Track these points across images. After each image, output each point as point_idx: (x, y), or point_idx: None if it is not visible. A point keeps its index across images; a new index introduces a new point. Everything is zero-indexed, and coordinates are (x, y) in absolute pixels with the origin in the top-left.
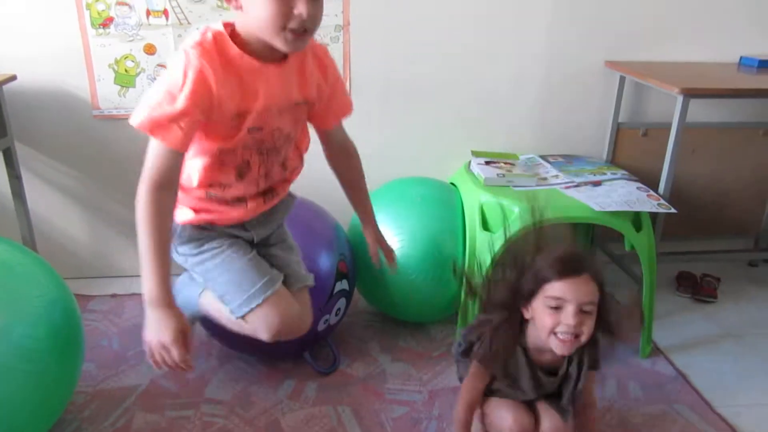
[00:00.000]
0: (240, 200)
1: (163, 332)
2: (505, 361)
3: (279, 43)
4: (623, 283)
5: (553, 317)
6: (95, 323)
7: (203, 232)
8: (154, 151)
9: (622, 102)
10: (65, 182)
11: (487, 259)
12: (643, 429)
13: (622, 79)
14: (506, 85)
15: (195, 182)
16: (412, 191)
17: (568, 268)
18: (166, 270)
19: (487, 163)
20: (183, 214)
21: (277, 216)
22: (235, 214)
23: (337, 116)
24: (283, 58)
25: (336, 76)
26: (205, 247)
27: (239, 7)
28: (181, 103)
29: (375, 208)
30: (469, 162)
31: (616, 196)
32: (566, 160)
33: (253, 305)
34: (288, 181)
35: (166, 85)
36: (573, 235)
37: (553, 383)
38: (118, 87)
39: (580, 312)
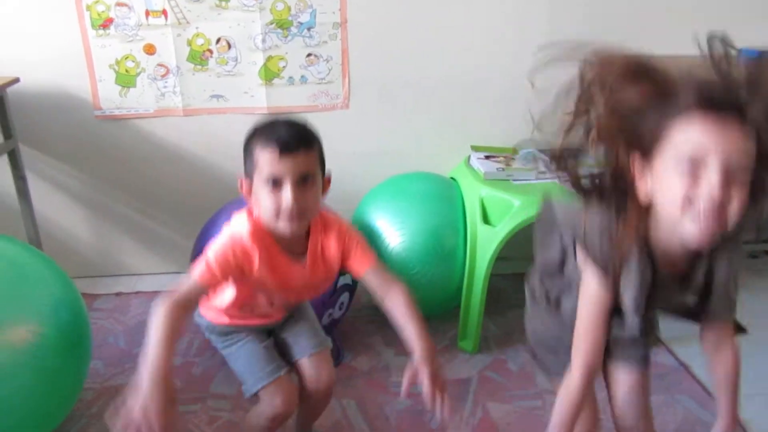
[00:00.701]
0: (268, 315)
1: (149, 406)
2: (634, 281)
3: (280, 230)
4: None
5: (687, 181)
6: (101, 321)
7: (232, 328)
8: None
9: None
10: (69, 182)
11: (487, 254)
12: None
13: None
14: (501, 81)
15: (229, 303)
16: (412, 186)
17: (713, 101)
18: (168, 362)
19: (487, 157)
20: (219, 318)
21: (297, 308)
22: (262, 322)
23: (360, 270)
24: (303, 251)
25: (353, 242)
26: (232, 338)
27: (251, 205)
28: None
29: (376, 205)
30: (469, 157)
31: None
32: (526, 151)
33: (259, 386)
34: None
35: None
36: None
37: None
38: (119, 87)
39: (729, 174)
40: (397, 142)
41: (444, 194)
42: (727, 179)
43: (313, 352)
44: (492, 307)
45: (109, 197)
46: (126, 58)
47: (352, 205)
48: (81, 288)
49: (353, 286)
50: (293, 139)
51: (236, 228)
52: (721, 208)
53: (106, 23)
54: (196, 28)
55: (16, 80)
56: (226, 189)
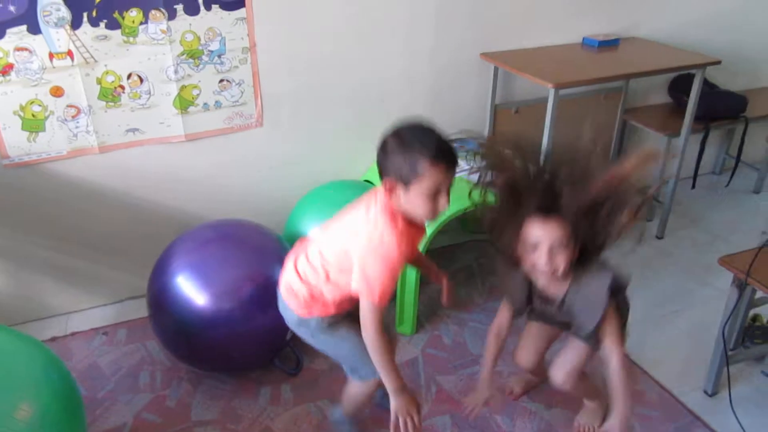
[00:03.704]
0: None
1: (411, 408)
2: (517, 295)
3: (425, 220)
4: None
5: (532, 256)
6: None
7: (337, 318)
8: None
9: (498, 86)
10: None
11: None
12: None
13: (496, 67)
14: (400, 82)
15: (337, 300)
16: (336, 195)
17: (544, 210)
18: (396, 368)
19: None
20: (326, 311)
21: None
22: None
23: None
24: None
25: None
26: (337, 327)
27: (399, 203)
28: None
29: (306, 217)
30: None
31: None
32: (458, 144)
33: (376, 375)
34: None
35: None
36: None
37: (552, 309)
38: (27, 132)
39: (552, 250)
40: (311, 151)
41: None
42: (551, 253)
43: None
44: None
45: (26, 243)
46: (31, 103)
47: (283, 216)
48: None
49: None
50: (455, 156)
51: (389, 234)
52: (551, 269)
53: (6, 69)
54: (105, 65)
55: None
56: (147, 218)
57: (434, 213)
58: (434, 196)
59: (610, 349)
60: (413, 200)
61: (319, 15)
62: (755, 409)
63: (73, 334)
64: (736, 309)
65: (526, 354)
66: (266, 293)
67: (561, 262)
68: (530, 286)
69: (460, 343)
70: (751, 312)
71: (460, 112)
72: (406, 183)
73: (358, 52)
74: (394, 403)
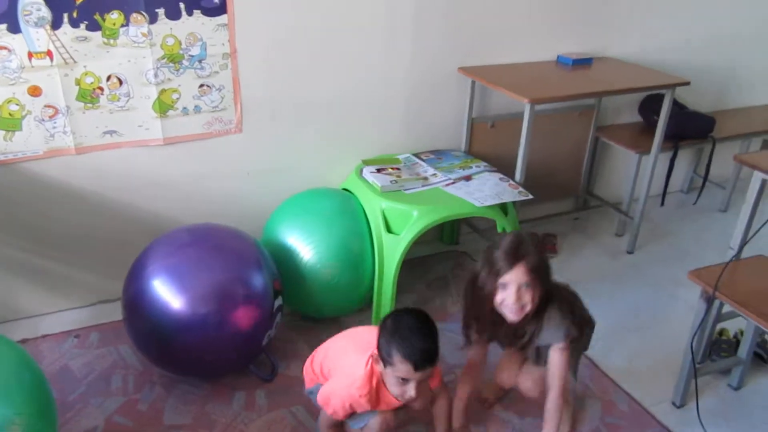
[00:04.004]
0: None
1: None
2: (490, 331)
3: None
4: None
5: (501, 294)
6: None
7: None
8: None
9: (474, 100)
10: None
11: (394, 260)
12: None
13: (473, 82)
14: (378, 93)
15: None
16: (314, 204)
17: (510, 259)
18: None
19: (378, 170)
20: None
21: None
22: None
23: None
24: None
25: (436, 374)
26: None
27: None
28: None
29: (283, 225)
30: (361, 169)
31: (487, 189)
32: (436, 156)
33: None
34: None
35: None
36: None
37: (521, 340)
38: (3, 132)
39: (521, 289)
40: (290, 159)
41: (345, 207)
42: (519, 293)
43: None
44: None
45: None
46: (9, 102)
47: (260, 222)
48: None
49: (283, 305)
50: (428, 360)
51: (358, 385)
52: (518, 307)
53: None
54: (84, 66)
55: None
56: (123, 221)
57: (402, 396)
58: (403, 383)
59: (552, 378)
60: (387, 378)
61: (299, 25)
62: (722, 422)
63: (44, 336)
64: (703, 322)
65: (506, 375)
66: (243, 298)
67: (529, 298)
68: (498, 319)
69: None
70: (718, 326)
71: (438, 124)
72: (384, 363)
73: (337, 63)
74: None
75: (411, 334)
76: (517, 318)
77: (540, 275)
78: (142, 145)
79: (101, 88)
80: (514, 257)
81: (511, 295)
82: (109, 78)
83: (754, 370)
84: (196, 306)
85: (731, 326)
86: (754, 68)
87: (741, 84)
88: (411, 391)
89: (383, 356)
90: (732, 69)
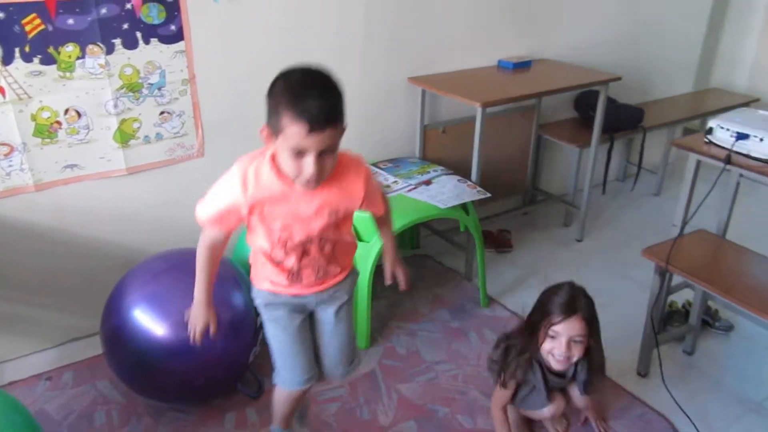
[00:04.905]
0: (298, 278)
1: (198, 320)
2: (524, 376)
3: (297, 185)
4: (447, 251)
5: (551, 344)
6: None
7: (272, 297)
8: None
9: (425, 108)
10: None
11: (367, 267)
12: None
13: (424, 91)
14: None
15: (262, 258)
16: None
17: (564, 310)
18: (205, 285)
19: None
20: (261, 284)
21: (339, 294)
22: (297, 292)
23: (376, 212)
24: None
25: (374, 188)
26: (273, 314)
27: (270, 147)
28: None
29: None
30: None
31: (447, 191)
32: (394, 164)
33: (292, 388)
34: (340, 267)
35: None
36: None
37: (561, 382)
38: None
39: (571, 342)
40: None
41: None
42: (570, 344)
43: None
44: None
45: None
46: None
47: (230, 243)
48: None
49: None
50: (323, 117)
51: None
52: (566, 358)
53: None
54: (40, 101)
55: None
56: (88, 256)
57: (297, 174)
58: (297, 156)
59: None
60: (279, 154)
61: (254, 48)
62: (682, 384)
63: (11, 383)
64: (660, 294)
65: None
66: (225, 317)
67: (576, 350)
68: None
69: (413, 351)
70: (669, 298)
71: (392, 133)
72: (275, 134)
73: None
74: (192, 311)
75: (302, 88)
76: (562, 368)
77: (591, 331)
78: (105, 176)
79: (59, 122)
80: (570, 309)
81: (561, 345)
82: (66, 111)
83: (703, 334)
84: (181, 331)
85: (678, 298)
86: (673, 59)
87: (663, 76)
88: (309, 166)
89: (272, 125)
90: (653, 63)
